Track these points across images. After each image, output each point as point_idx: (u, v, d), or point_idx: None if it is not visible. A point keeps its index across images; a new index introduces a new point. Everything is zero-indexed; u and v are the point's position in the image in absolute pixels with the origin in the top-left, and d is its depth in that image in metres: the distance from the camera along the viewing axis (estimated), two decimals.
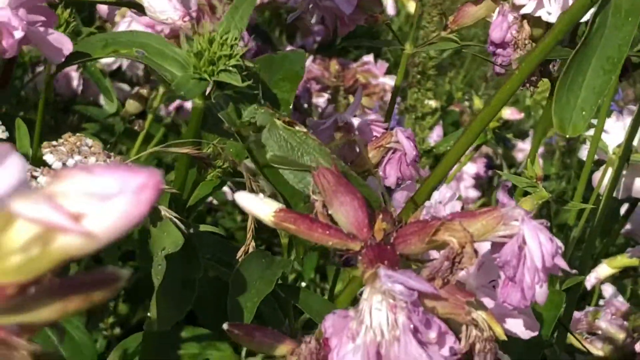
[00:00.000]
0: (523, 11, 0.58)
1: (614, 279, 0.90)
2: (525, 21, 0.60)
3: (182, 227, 0.47)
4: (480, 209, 0.43)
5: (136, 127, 1.04)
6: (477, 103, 1.28)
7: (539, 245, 0.41)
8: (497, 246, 0.42)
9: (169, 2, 0.51)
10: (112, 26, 0.98)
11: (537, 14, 0.58)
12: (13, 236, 0.21)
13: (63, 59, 0.51)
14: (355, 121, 0.63)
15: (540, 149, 1.59)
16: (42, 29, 0.49)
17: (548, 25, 0.60)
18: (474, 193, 1.46)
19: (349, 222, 0.42)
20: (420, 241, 0.41)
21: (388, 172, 0.62)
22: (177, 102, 1.07)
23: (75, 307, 0.23)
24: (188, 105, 1.07)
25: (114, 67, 1.10)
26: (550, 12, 0.57)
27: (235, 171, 0.53)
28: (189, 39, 0.48)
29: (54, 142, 0.44)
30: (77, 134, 0.45)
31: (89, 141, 0.44)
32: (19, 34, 0.47)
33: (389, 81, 1.32)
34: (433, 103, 1.34)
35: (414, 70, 1.19)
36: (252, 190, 0.50)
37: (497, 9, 0.61)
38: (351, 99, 1.28)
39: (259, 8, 1.23)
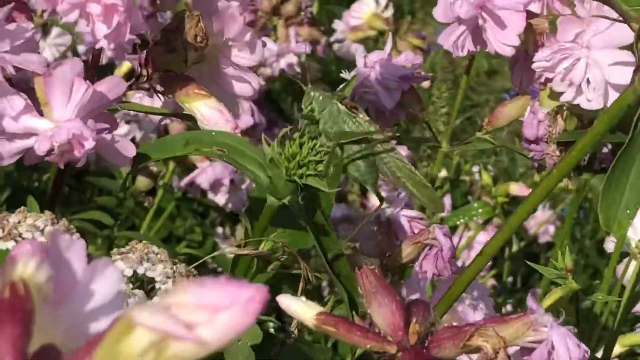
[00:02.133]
0: (562, 99, 0.61)
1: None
2: (558, 116, 0.63)
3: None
4: (511, 315, 0.46)
5: (146, 204, 1.07)
6: (485, 178, 1.31)
7: (567, 351, 0.45)
8: (526, 351, 0.46)
9: (221, 115, 0.55)
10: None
11: (576, 102, 0.61)
12: (132, 342, 0.24)
13: (127, 164, 0.53)
14: (395, 216, 0.66)
15: (552, 217, 1.62)
16: (108, 136, 0.52)
17: (581, 118, 0.63)
18: None
19: (385, 323, 0.46)
20: (454, 346, 0.45)
21: (425, 267, 0.65)
22: (189, 176, 1.10)
23: None
24: (199, 180, 1.10)
25: (128, 138, 1.13)
26: (590, 100, 0.60)
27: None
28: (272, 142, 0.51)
29: (123, 249, 0.47)
30: (144, 242, 0.47)
31: (155, 248, 0.47)
32: (90, 144, 0.50)
33: (400, 151, 1.35)
34: (442, 173, 1.37)
35: (424, 146, 1.22)
36: (308, 280, 0.53)
37: (528, 107, 0.65)
38: None
39: (270, 79, 1.27)
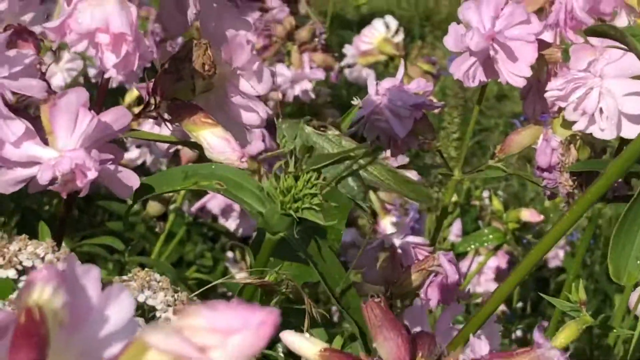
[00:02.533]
0: (575, 128, 0.61)
1: None
2: (571, 145, 0.63)
3: None
4: (518, 349, 0.46)
5: (157, 229, 1.07)
6: (496, 204, 1.30)
7: None
8: None
9: (227, 144, 0.55)
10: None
11: (588, 131, 0.60)
12: None
13: (130, 194, 0.53)
14: (400, 243, 0.66)
15: (561, 242, 1.62)
16: (112, 167, 0.52)
17: (594, 147, 0.63)
18: (494, 286, 1.48)
19: (391, 358, 0.46)
20: None
21: (430, 294, 0.65)
22: (200, 202, 1.10)
23: None
24: (210, 205, 1.10)
25: (139, 162, 1.13)
26: (603, 129, 0.59)
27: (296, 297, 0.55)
28: (271, 174, 0.51)
29: (125, 277, 0.47)
30: (146, 270, 0.47)
31: (157, 276, 0.47)
32: (92, 175, 0.50)
33: (410, 175, 1.35)
34: (452, 198, 1.37)
35: (435, 171, 1.22)
36: (312, 316, 0.52)
37: (541, 135, 0.64)
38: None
39: (282, 104, 1.27)
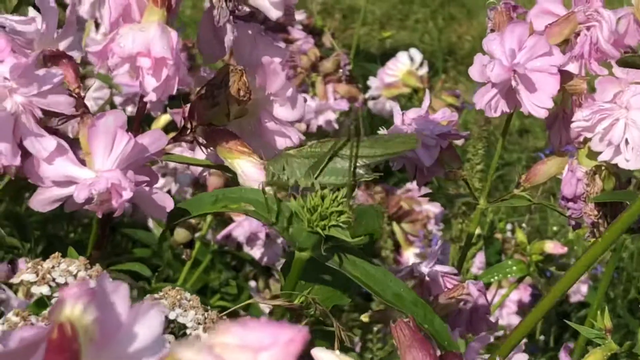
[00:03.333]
0: (600, 158, 0.61)
1: None
2: (597, 176, 0.63)
3: None
4: None
5: (184, 256, 1.08)
6: (520, 236, 1.31)
7: None
8: None
9: (260, 170, 0.56)
10: None
11: (614, 161, 0.61)
12: None
13: (164, 216, 0.54)
14: (428, 271, 0.66)
15: (584, 276, 1.62)
16: (147, 188, 0.53)
17: (619, 177, 0.63)
18: (516, 320, 1.48)
19: None
20: None
21: (458, 323, 0.65)
22: (226, 229, 1.11)
23: None
24: (236, 233, 1.11)
25: (164, 191, 1.14)
26: (628, 160, 0.60)
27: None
28: (299, 196, 0.51)
29: (156, 295, 0.47)
30: (177, 288, 0.48)
31: (188, 295, 0.48)
32: (127, 195, 0.51)
33: (433, 208, 1.36)
34: (477, 230, 1.37)
35: (459, 201, 1.22)
36: (340, 339, 0.53)
37: (567, 166, 0.65)
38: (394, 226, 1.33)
39: (306, 134, 1.28)
